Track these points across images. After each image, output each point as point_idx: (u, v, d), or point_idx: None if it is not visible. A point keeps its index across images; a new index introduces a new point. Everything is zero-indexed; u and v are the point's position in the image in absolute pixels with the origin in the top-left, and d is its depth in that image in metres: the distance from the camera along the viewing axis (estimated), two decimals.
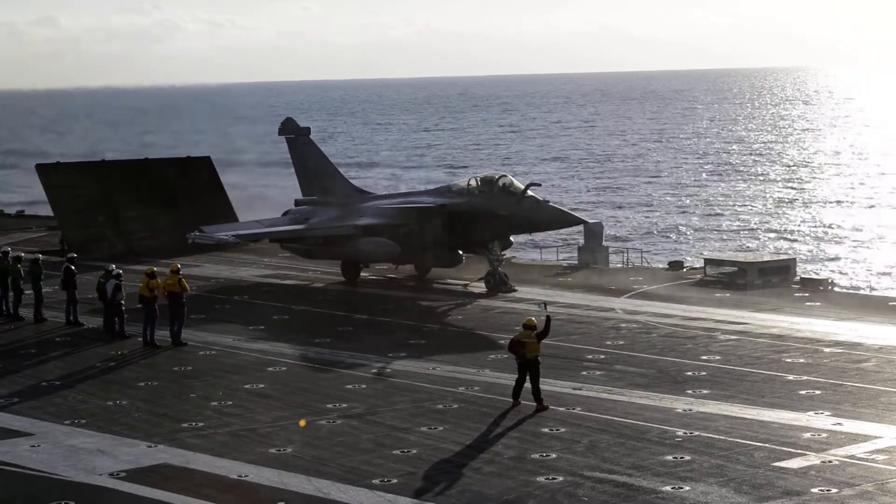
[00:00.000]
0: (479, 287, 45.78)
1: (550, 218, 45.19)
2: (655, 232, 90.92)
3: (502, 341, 34.07)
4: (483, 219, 45.69)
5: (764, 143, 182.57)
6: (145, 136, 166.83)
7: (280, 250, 53.74)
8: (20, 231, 65.16)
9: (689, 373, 31.80)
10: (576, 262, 53.59)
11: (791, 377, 31.06)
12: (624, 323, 39.12)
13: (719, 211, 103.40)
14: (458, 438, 25.83)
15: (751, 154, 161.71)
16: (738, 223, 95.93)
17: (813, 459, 23.78)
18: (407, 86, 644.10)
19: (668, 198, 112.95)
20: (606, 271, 50.54)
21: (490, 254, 45.74)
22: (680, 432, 25.85)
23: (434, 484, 22.82)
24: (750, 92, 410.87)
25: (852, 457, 23.96)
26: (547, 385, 29.00)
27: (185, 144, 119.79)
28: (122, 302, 37.91)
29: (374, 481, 22.91)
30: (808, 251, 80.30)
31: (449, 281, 48.15)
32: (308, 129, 55.03)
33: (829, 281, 47.32)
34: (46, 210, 67.25)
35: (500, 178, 46.57)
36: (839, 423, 26.40)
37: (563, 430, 26.27)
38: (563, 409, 28.03)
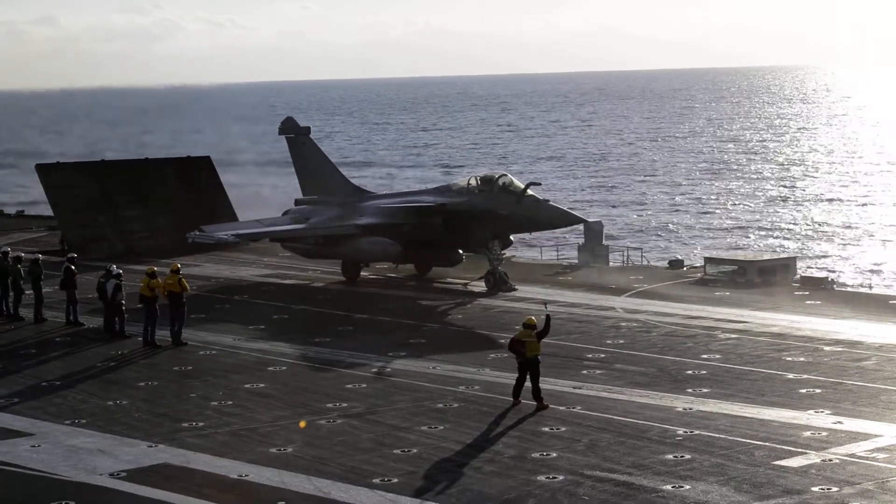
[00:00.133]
0: (479, 286, 45.79)
1: (550, 217, 45.18)
2: (647, 230, 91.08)
3: (502, 340, 34.09)
4: (483, 218, 45.67)
5: (760, 141, 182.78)
6: (144, 136, 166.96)
7: (280, 250, 53.73)
8: (20, 231, 65.17)
9: (690, 371, 31.80)
10: (576, 260, 53.62)
11: (791, 376, 31.06)
12: (624, 322, 39.13)
13: (712, 209, 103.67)
14: (459, 437, 25.83)
15: (745, 153, 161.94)
16: (729, 221, 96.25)
17: (813, 458, 23.77)
18: (406, 85, 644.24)
19: (663, 196, 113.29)
20: (606, 270, 50.55)
21: (490, 253, 45.74)
22: (680, 431, 25.85)
23: (434, 483, 22.82)
24: (748, 91, 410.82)
25: (853, 455, 23.95)
26: (547, 384, 28.99)
27: (184, 144, 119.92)
28: (123, 302, 37.90)
29: (374, 481, 22.90)
30: (799, 248, 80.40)
31: (449, 280, 48.16)
32: (308, 129, 55.04)
33: (830, 280, 47.33)
34: (46, 210, 67.27)
35: (499, 177, 46.56)
36: (839, 422, 26.40)
37: (563, 429, 26.27)
38: (563, 408, 28.03)
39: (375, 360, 33.86)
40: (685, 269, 50.23)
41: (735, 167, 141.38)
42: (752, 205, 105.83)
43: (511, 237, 47.60)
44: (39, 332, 39.54)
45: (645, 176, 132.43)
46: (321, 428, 26.91)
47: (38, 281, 40.92)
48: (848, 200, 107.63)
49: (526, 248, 62.81)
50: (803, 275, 48.34)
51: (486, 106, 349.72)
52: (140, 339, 36.56)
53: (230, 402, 29.43)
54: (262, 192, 78.12)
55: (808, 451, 24.19)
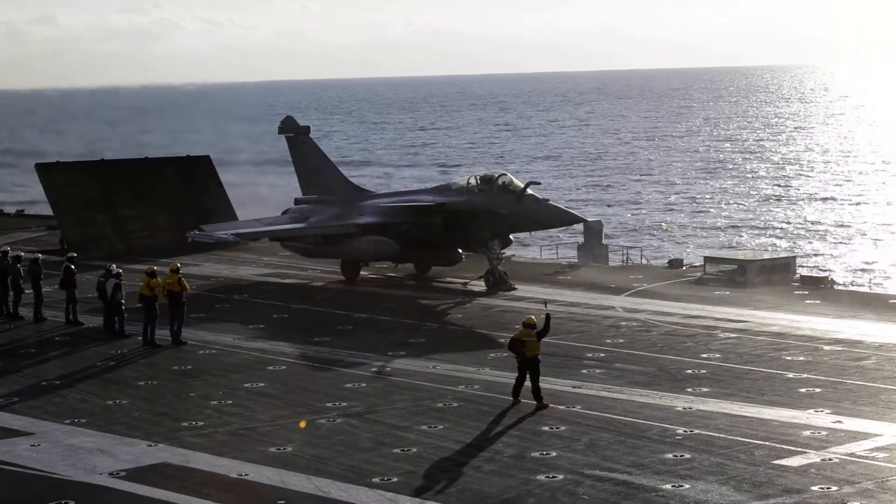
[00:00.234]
0: (479, 285, 45.79)
1: (550, 217, 45.18)
2: (641, 229, 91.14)
3: (502, 340, 34.10)
4: (483, 217, 45.67)
5: (756, 140, 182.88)
6: (143, 136, 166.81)
7: (280, 249, 53.73)
8: (20, 230, 65.16)
9: (689, 371, 31.81)
10: (575, 260, 53.62)
11: (791, 375, 31.07)
12: (624, 321, 39.13)
13: (707, 208, 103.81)
14: (458, 437, 25.82)
15: (741, 152, 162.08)
16: (723, 220, 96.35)
17: (813, 457, 23.78)
18: (406, 85, 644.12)
19: (657, 195, 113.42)
20: (606, 269, 50.55)
21: (490, 252, 45.74)
22: (680, 430, 25.85)
23: (434, 482, 22.81)
24: (746, 90, 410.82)
25: (852, 454, 23.95)
26: (547, 383, 28.99)
27: (183, 143, 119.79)
28: (122, 301, 37.90)
29: (374, 480, 22.89)
30: (790, 247, 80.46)
31: (448, 279, 48.16)
32: (308, 128, 55.03)
33: (829, 279, 47.34)
34: (46, 209, 67.23)
35: (499, 176, 46.54)
36: (839, 421, 26.40)
37: (563, 428, 26.27)
38: (562, 407, 28.03)
39: (375, 359, 33.85)
40: (684, 268, 50.24)
41: (730, 166, 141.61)
42: (745, 204, 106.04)
43: (511, 237, 47.62)
44: (39, 331, 39.54)
45: (640, 175, 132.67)
46: (321, 427, 26.90)
47: (37, 280, 40.92)
48: (841, 199, 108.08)
49: (520, 248, 62.78)
50: (803, 274, 48.29)
51: (485, 105, 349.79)
52: (140, 338, 36.56)
53: (230, 402, 29.42)
54: (261, 192, 78.07)
55: (807, 451, 24.19)
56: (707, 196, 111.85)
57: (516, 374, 28.50)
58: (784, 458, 23.74)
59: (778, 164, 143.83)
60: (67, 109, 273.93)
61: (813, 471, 22.98)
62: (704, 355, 33.71)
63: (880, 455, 23.94)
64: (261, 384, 31.23)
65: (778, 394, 29.07)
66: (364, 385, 30.88)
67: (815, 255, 78.23)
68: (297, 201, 53.04)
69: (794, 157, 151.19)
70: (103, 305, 38.40)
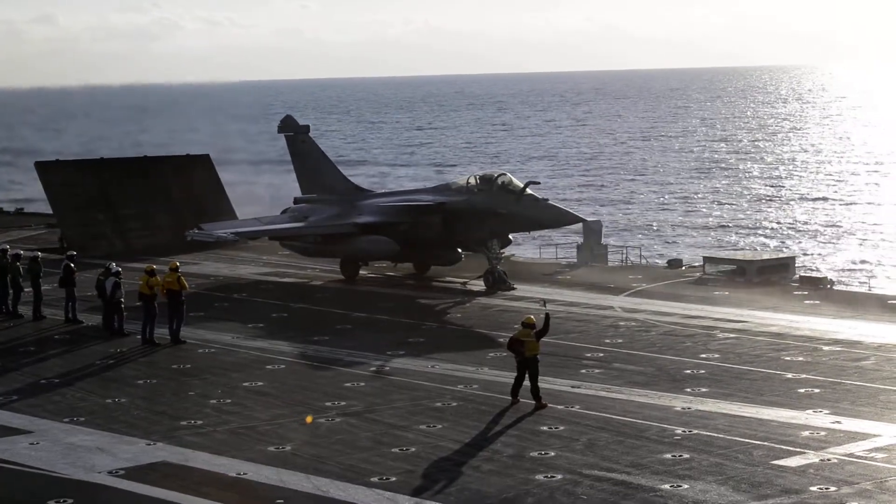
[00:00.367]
0: (478, 285, 45.80)
1: (549, 216, 45.18)
2: (634, 229, 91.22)
3: (501, 339, 34.11)
4: (482, 217, 45.67)
5: (752, 141, 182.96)
6: (141, 135, 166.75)
7: (279, 248, 53.72)
8: (19, 229, 65.14)
9: (688, 371, 31.82)
10: (574, 259, 53.63)
11: (790, 375, 31.09)
12: (623, 321, 39.14)
13: (701, 208, 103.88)
14: (457, 436, 25.83)
15: (736, 152, 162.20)
16: (714, 220, 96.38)
17: (812, 458, 23.79)
18: (405, 84, 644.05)
19: (652, 195, 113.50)
20: (605, 269, 50.56)
21: (489, 252, 45.74)
22: (679, 430, 25.86)
23: (433, 482, 22.82)
24: (744, 90, 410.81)
25: (851, 455, 23.97)
26: (546, 383, 29.01)
27: (181, 142, 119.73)
28: (122, 300, 37.89)
29: (372, 479, 22.90)
30: (782, 246, 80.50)
31: (448, 279, 48.17)
32: (307, 127, 55.02)
33: (829, 279, 47.35)
34: (45, 208, 67.20)
35: (499, 176, 46.55)
36: (838, 422, 26.42)
37: (561, 428, 26.28)
38: (561, 407, 28.04)
39: (374, 358, 33.85)
40: (684, 268, 50.27)
41: (725, 166, 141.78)
42: (740, 204, 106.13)
43: (510, 236, 47.63)
44: (38, 329, 39.53)
45: (635, 175, 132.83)
46: (320, 426, 26.92)
47: (37, 278, 40.92)
48: (833, 200, 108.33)
49: (516, 248, 62.76)
50: (802, 275, 48.31)
51: (483, 105, 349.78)
52: (139, 336, 36.56)
53: (229, 401, 29.42)
54: (257, 191, 78.06)
55: (806, 451, 24.20)
56: (700, 196, 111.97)
57: (515, 374, 28.51)
58: (783, 458, 23.75)
59: (772, 164, 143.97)
60: (66, 108, 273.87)
61: (812, 471, 22.99)
62: (703, 355, 33.72)
63: (879, 455, 23.95)
64: (260, 383, 31.24)
65: (777, 394, 29.09)
66: (363, 384, 30.88)
67: (807, 254, 78.26)
68: (296, 200, 53.04)
69: (789, 158, 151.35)
70: (102, 304, 38.39)
